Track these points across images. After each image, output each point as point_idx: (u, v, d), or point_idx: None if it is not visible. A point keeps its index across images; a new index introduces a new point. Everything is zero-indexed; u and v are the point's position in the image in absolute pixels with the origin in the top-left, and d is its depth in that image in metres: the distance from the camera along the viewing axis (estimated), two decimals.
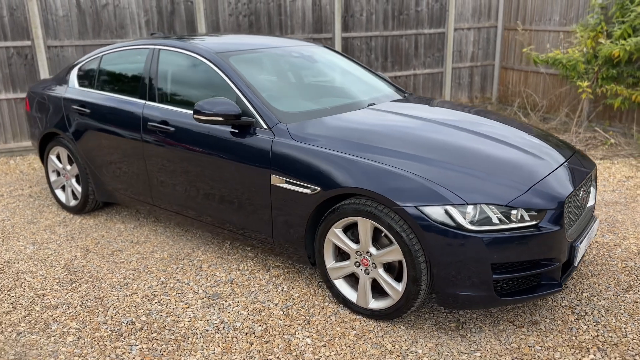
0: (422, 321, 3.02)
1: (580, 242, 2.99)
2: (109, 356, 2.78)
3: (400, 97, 4.17)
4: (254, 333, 2.95)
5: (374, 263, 2.97)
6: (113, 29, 7.17)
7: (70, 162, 4.72)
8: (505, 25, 9.18)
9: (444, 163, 2.90)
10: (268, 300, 3.28)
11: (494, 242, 2.65)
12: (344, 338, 2.89)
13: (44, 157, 4.97)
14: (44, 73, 6.90)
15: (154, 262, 3.84)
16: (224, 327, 3.01)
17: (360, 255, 3.01)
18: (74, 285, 3.54)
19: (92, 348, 2.85)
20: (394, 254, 2.84)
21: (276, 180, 3.23)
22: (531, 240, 2.71)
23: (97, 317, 3.15)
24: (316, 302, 3.25)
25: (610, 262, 3.66)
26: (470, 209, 2.67)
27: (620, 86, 6.78)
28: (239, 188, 3.45)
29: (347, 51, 8.40)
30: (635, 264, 3.64)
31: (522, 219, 2.71)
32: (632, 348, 2.73)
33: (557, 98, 8.16)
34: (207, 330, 2.99)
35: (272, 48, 4.18)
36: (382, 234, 2.93)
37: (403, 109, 3.74)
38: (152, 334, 2.97)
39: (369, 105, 3.78)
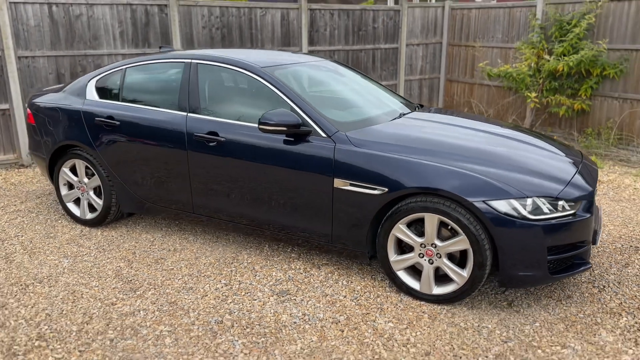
0: (477, 302, 3.48)
1: (599, 227, 3.60)
2: (215, 352, 2.96)
3: (418, 107, 4.64)
4: (339, 322, 3.25)
5: (438, 253, 3.38)
6: (87, 39, 7.05)
7: (88, 175, 4.70)
8: (449, 42, 10.04)
9: (495, 163, 3.38)
10: (336, 294, 3.59)
11: (548, 229, 3.17)
12: (420, 320, 3.27)
13: (53, 170, 4.89)
14: (14, 84, 6.66)
15: (205, 267, 3.99)
16: (309, 319, 3.28)
17: (425, 247, 3.41)
18: (138, 292, 3.62)
19: (195, 347, 3.01)
20: (461, 244, 3.27)
21: (339, 183, 3.56)
22: (572, 226, 3.26)
23: (182, 319, 3.29)
24: (379, 293, 3.60)
25: (603, 246, 4.35)
26: (529, 201, 3.17)
27: (562, 96, 7.77)
28: (296, 192, 3.73)
29: None
30: (622, 245, 4.35)
31: (564, 209, 3.25)
32: None
33: (502, 107, 9.09)
34: (295, 322, 3.24)
35: (300, 63, 4.47)
36: (449, 227, 3.35)
37: (434, 118, 4.22)
38: (245, 329, 3.17)
39: (401, 114, 4.21)
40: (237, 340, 3.07)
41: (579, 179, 3.47)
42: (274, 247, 4.33)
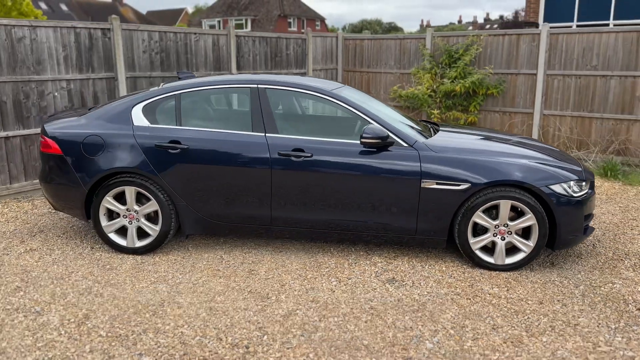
0: (528, 271, 4.54)
1: None
2: (394, 326, 3.50)
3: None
4: (459, 294, 4.02)
5: (509, 231, 4.38)
6: (30, 64, 6.55)
7: (139, 202, 4.64)
8: (344, 68, 11.29)
9: (537, 159, 4.52)
10: (432, 275, 4.33)
11: (582, 202, 4.39)
12: (510, 282, 4.21)
13: (92, 201, 4.67)
14: None
15: (300, 271, 4.38)
16: (436, 295, 3.98)
17: (498, 227, 4.38)
18: (272, 299, 3.89)
19: (376, 326, 3.50)
20: (529, 221, 4.32)
21: (426, 184, 4.35)
22: (591, 199, 4.54)
23: (340, 309, 3.72)
24: (462, 270, 4.45)
25: None
26: (571, 183, 4.36)
27: (457, 112, 9.51)
28: (384, 195, 4.40)
29: None
30: None
31: (584, 187, 4.52)
32: None
33: None
34: (429, 299, 3.91)
35: (340, 88, 5.06)
36: (519, 210, 4.36)
37: (460, 130, 5.24)
38: (399, 309, 3.74)
39: (437, 129, 5.11)
40: (404, 318, 3.64)
41: (584, 166, 4.79)
42: (342, 249, 4.87)
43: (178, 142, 4.54)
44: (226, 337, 3.38)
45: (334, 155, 4.43)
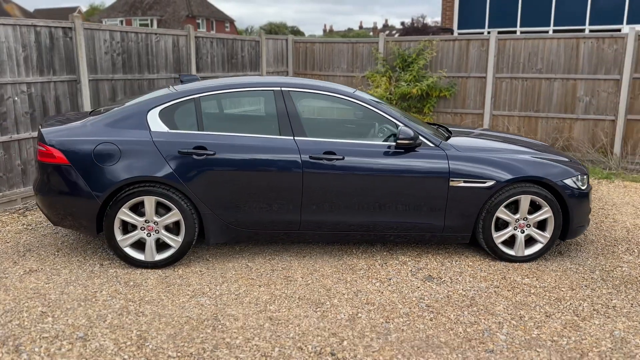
0: (544, 261, 4.85)
1: None
2: (458, 321, 3.60)
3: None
4: (498, 286, 4.21)
5: (528, 224, 4.66)
6: None
7: (158, 212, 4.37)
8: (295, 71, 11.28)
9: (547, 155, 4.84)
10: (465, 271, 4.49)
11: (588, 195, 4.78)
12: (535, 272, 4.48)
13: (105, 214, 4.31)
14: None
15: (336, 274, 4.35)
16: (478, 290, 4.14)
17: (518, 221, 4.65)
18: (326, 305, 3.84)
19: (439, 322, 3.58)
20: (546, 214, 4.62)
21: (454, 182, 4.51)
22: (590, 192, 4.96)
23: (400, 311, 3.75)
24: (489, 262, 4.65)
25: None
26: (579, 177, 4.72)
27: (412, 114, 9.87)
28: (414, 194, 4.50)
29: None
30: None
31: (586, 181, 4.91)
32: None
33: None
34: (476, 294, 4.06)
35: (355, 91, 5.08)
36: (536, 203, 4.64)
37: (470, 132, 5.46)
38: (452, 304, 3.85)
39: (452, 131, 5.27)
40: (463, 313, 3.75)
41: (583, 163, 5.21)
42: (364, 249, 4.89)
43: (204, 148, 4.32)
44: (306, 346, 3.29)
45: (364, 157, 4.45)
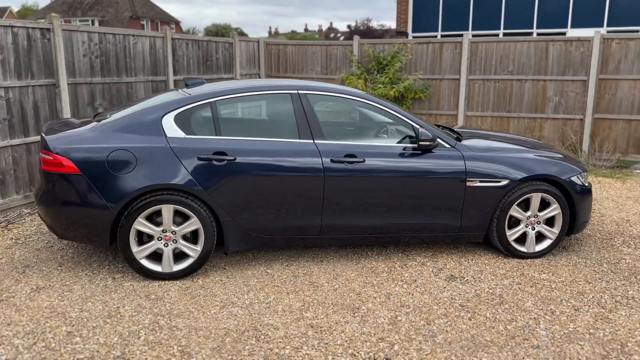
0: (552, 256, 5.01)
1: None
2: (487, 316, 3.67)
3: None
4: (520, 283, 4.30)
5: (539, 221, 4.80)
6: None
7: (176, 221, 4.19)
8: (267, 73, 11.16)
9: (552, 153, 5.01)
10: (484, 270, 4.56)
11: (591, 191, 4.98)
12: (549, 268, 4.61)
13: (119, 225, 4.10)
14: None
15: (360, 278, 4.33)
16: (503, 287, 4.22)
17: (529, 218, 4.78)
18: (362, 312, 3.81)
19: (471, 318, 3.63)
20: (554, 211, 4.77)
21: (471, 182, 4.58)
22: (591, 188, 5.17)
23: (436, 312, 3.77)
24: (502, 259, 4.75)
25: None
26: (583, 175, 4.91)
27: None
28: (432, 195, 4.54)
29: None
30: None
31: (586, 178, 5.12)
32: None
33: None
34: (502, 290, 4.14)
35: (363, 92, 5.09)
36: (546, 201, 4.78)
37: (476, 133, 5.56)
38: (478, 302, 3.91)
39: (460, 133, 5.35)
40: (497, 310, 3.81)
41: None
42: (379, 252, 4.89)
43: (224, 153, 4.18)
44: (358, 353, 3.24)
45: (384, 159, 4.44)
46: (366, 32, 43.49)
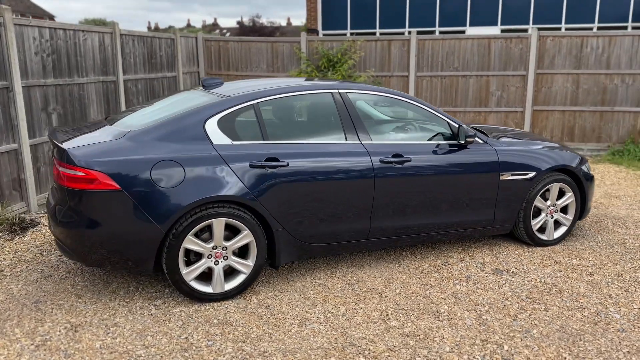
0: (566, 242, 5.29)
1: None
2: (554, 305, 3.79)
3: None
4: (560, 267, 4.49)
5: (556, 210, 5.04)
6: None
7: (225, 236, 3.81)
8: (207, 71, 10.59)
9: (561, 146, 5.28)
10: (526, 262, 4.69)
11: (594, 179, 5.34)
12: (572, 253, 4.87)
13: (167, 245, 3.63)
14: None
15: (414, 281, 4.25)
16: (551, 279, 4.37)
17: (549, 207, 5.00)
18: (443, 315, 3.73)
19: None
20: (570, 199, 5.05)
21: (504, 176, 4.69)
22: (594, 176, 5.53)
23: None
24: (527, 249, 4.92)
25: None
26: (588, 163, 5.25)
27: None
28: (472, 190, 4.58)
29: (127, 93, 7.91)
30: None
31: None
32: None
33: None
34: (555, 281, 4.28)
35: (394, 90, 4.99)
36: (562, 190, 5.03)
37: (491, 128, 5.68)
38: (535, 293, 4.02)
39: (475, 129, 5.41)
40: (562, 299, 3.93)
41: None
42: (413, 251, 4.83)
43: (275, 159, 3.86)
44: (474, 357, 3.16)
45: (427, 156, 4.39)
46: (256, 28, 42.95)
